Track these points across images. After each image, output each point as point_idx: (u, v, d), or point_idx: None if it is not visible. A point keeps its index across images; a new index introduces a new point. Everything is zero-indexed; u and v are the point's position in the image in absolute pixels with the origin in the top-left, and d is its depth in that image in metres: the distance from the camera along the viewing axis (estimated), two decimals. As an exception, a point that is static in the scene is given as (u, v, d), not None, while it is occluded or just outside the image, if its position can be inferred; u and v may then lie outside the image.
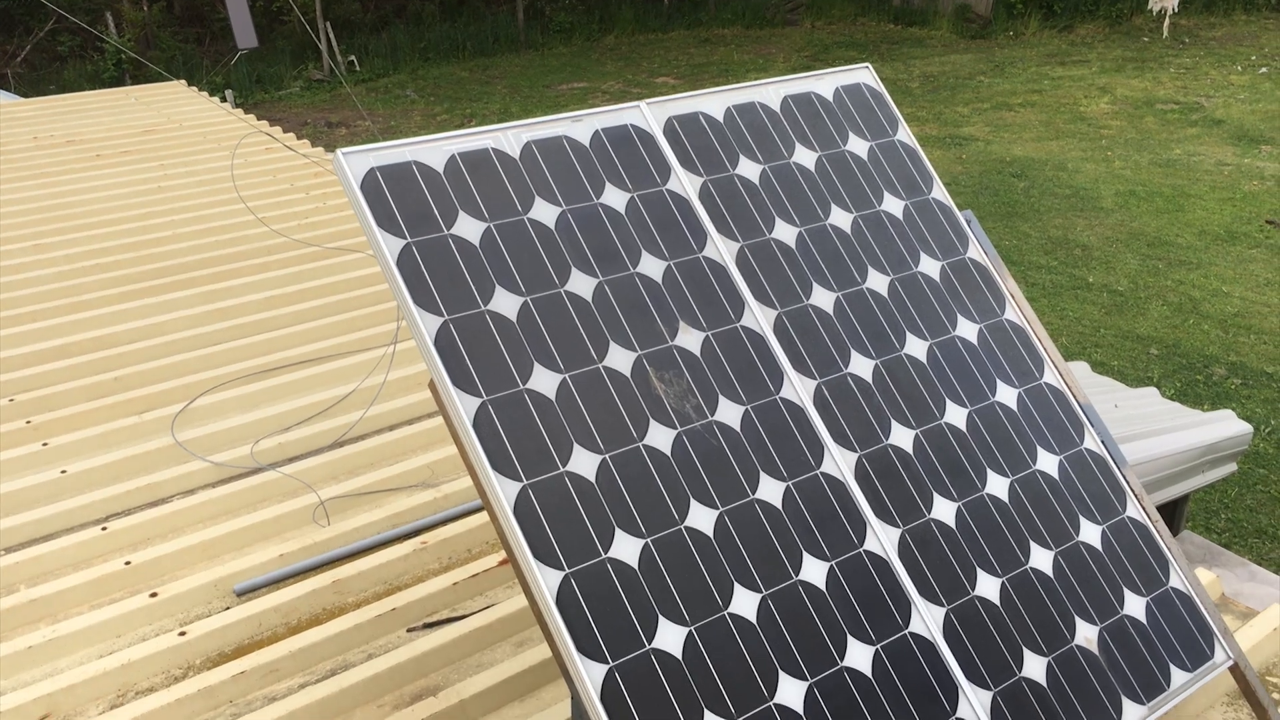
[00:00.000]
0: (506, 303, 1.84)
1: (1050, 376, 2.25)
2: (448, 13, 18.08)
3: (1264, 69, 15.02)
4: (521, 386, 1.79)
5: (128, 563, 2.59)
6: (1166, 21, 16.64)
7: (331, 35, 15.99)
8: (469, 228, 1.88)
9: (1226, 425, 4.70)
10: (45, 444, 3.00)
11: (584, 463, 1.77)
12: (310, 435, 3.12)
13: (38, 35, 14.95)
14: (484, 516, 2.81)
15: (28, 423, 3.08)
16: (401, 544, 2.69)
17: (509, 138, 2.00)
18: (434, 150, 1.92)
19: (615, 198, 2.03)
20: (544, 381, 1.81)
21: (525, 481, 1.72)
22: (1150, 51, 16.36)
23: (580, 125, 2.07)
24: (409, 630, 2.45)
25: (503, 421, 1.75)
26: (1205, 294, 9.14)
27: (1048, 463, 2.14)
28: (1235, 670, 2.08)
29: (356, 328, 3.75)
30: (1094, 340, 8.29)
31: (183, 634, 2.36)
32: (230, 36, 15.66)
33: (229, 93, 6.00)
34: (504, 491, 1.70)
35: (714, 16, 18.89)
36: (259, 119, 6.10)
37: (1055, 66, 15.98)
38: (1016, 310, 2.30)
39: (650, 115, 2.15)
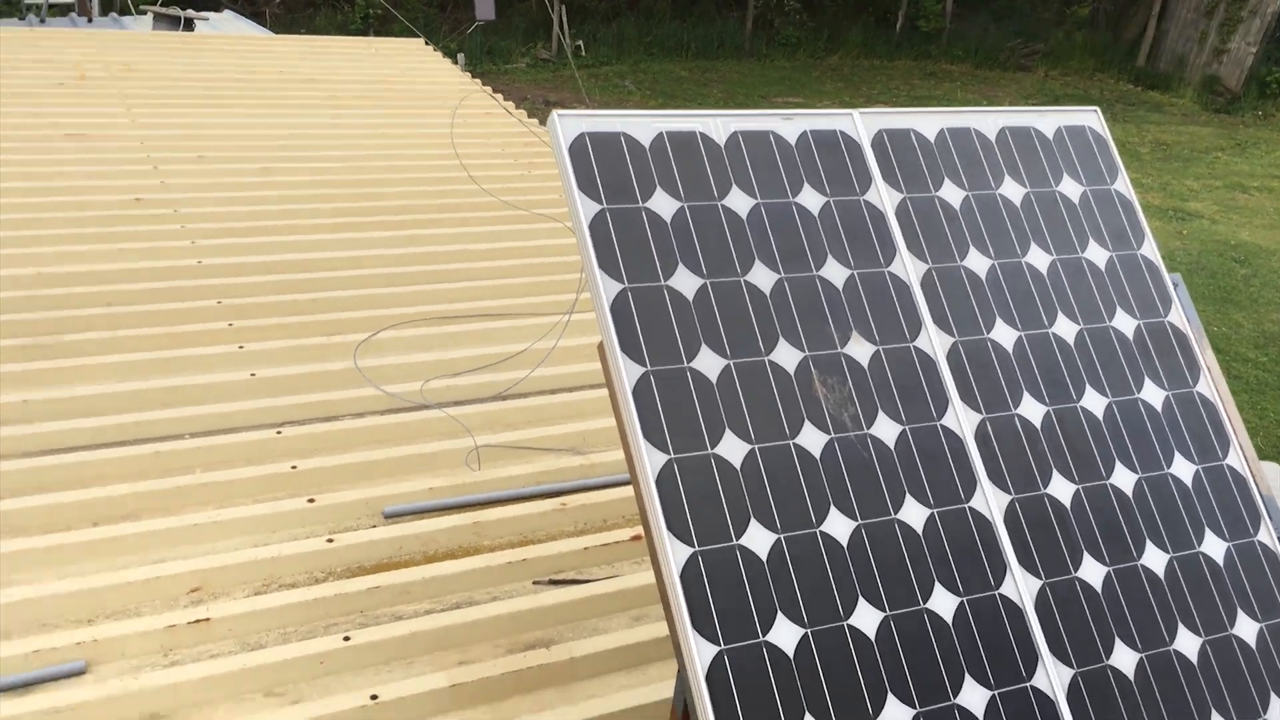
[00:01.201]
0: (686, 281, 1.88)
1: (1234, 459, 2.13)
2: (678, 11, 18.32)
3: None
4: (686, 364, 1.82)
5: (294, 467, 2.76)
6: None
7: (564, 18, 16.45)
8: (664, 204, 1.92)
9: None
10: (241, 347, 3.22)
11: (732, 448, 1.79)
12: (477, 384, 3.24)
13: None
14: (624, 491, 2.86)
15: (229, 325, 3.32)
16: (543, 501, 2.77)
17: (718, 125, 2.03)
18: (644, 125, 1.97)
19: (811, 199, 2.03)
20: (708, 363, 1.83)
21: (672, 455, 1.75)
22: None
23: (790, 124, 2.09)
24: (535, 583, 2.53)
25: (661, 393, 1.78)
26: None
27: (1214, 547, 2.03)
28: (1386, 808, 1.92)
29: (538, 292, 3.87)
30: (1294, 447, 7.72)
31: (330, 541, 2.50)
32: (471, 7, 16.33)
33: (461, 56, 6.27)
34: (650, 461, 1.73)
35: (944, 51, 18.50)
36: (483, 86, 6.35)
37: (1304, 154, 14.94)
38: (1210, 385, 2.19)
39: (861, 125, 2.15)
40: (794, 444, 1.83)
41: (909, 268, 2.05)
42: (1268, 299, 10.31)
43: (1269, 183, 13.74)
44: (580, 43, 16.85)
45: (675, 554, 1.68)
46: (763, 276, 1.94)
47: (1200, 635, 1.94)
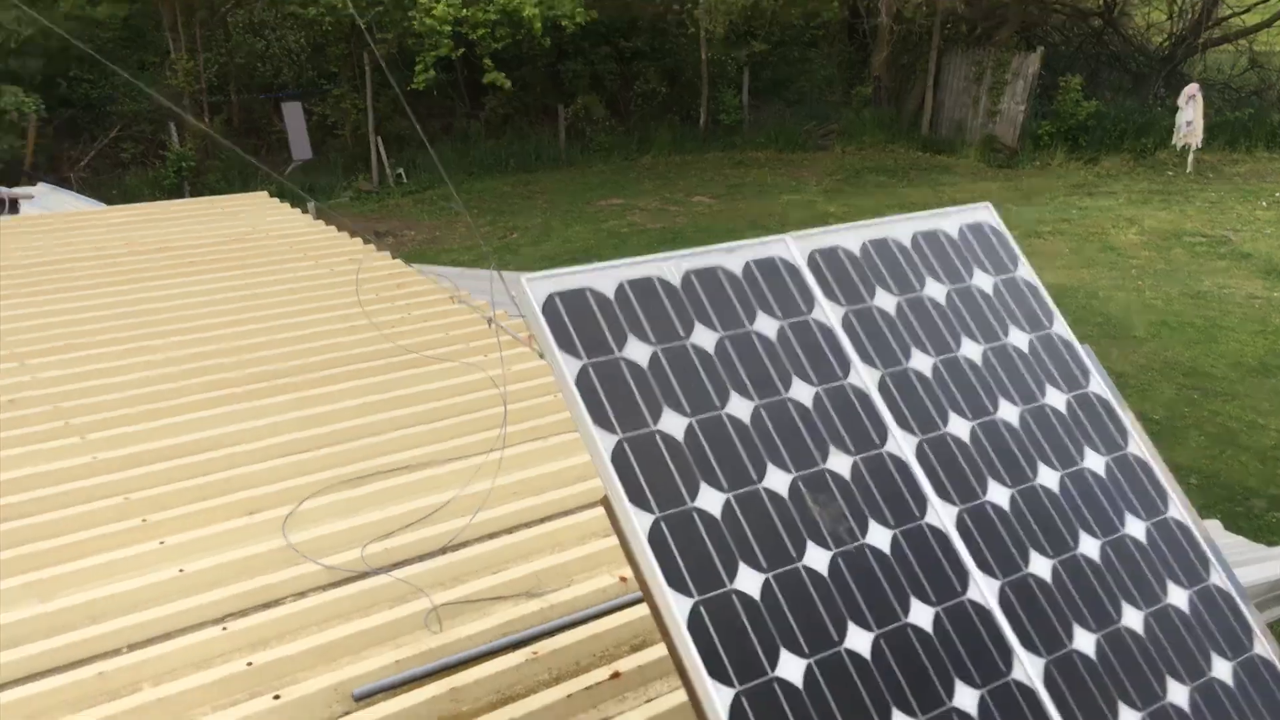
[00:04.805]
0: (674, 423, 1.94)
1: (1175, 511, 2.31)
2: (491, 131, 18.67)
3: (1290, 206, 15.31)
4: (690, 504, 1.86)
5: (249, 664, 2.63)
6: (1191, 157, 17.04)
7: (383, 148, 16.51)
8: (638, 351, 1.98)
9: (1295, 560, 4.70)
10: (162, 542, 3.06)
11: (749, 581, 1.84)
12: (416, 541, 3.18)
13: (102, 142, 15.51)
14: (591, 628, 2.84)
15: (143, 521, 3.16)
16: (513, 653, 2.73)
17: (670, 267, 2.12)
18: (605, 277, 2.04)
19: (767, 325, 2.13)
20: (710, 500, 1.88)
21: (697, 598, 1.78)
22: (1175, 185, 16.72)
23: (733, 256, 2.19)
24: (529, 742, 2.47)
25: (674, 538, 1.82)
26: (1242, 425, 9.18)
27: (1178, 597, 2.19)
28: (1372, 812, 2.09)
29: (452, 435, 3.83)
30: (1139, 469, 8.28)
31: (311, 737, 2.39)
32: (286, 148, 16.22)
33: (312, 205, 6.22)
34: (677, 607, 1.76)
35: (748, 140, 19.45)
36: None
37: (1083, 197, 16.33)
38: (1139, 443, 2.38)
39: (795, 248, 2.28)
40: (802, 566, 1.89)
41: (865, 377, 2.17)
42: (1081, 334, 11.10)
43: (1058, 226, 14.93)
44: (401, 170, 16.91)
45: (720, 696, 1.71)
46: (740, 407, 2.01)
47: (1187, 684, 2.07)
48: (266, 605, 2.91)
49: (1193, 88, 16.92)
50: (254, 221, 6.09)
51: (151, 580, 2.91)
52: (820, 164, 18.77)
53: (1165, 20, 21.23)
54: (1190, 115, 16.75)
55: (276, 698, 2.53)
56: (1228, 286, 12.68)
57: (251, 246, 5.71)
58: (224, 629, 2.76)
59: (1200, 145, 17.09)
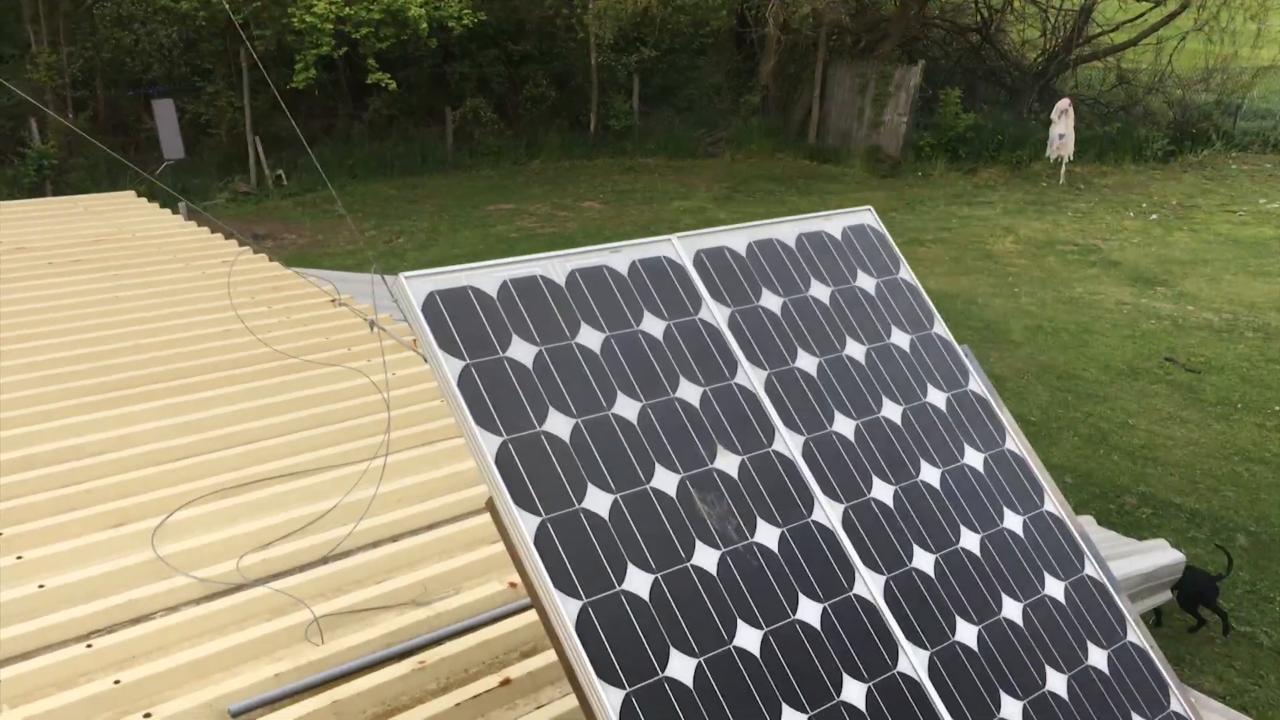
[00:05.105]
0: (559, 424, 1.90)
1: (1050, 505, 2.37)
2: (376, 133, 18.32)
3: (1154, 215, 16.07)
4: (577, 506, 1.83)
5: (117, 682, 2.49)
6: (1063, 169, 17.74)
7: (261, 149, 16.05)
8: (522, 351, 1.94)
9: (1161, 554, 4.91)
10: (20, 557, 2.89)
11: (638, 582, 1.81)
12: (295, 551, 3.07)
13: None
14: (479, 635, 2.79)
15: (-1, 535, 2.98)
16: (398, 663, 2.65)
17: (555, 266, 2.08)
18: (488, 276, 1.99)
19: (654, 325, 2.12)
20: (598, 501, 1.86)
21: (585, 600, 1.75)
22: (1049, 195, 17.39)
23: (618, 256, 2.17)
24: (415, 754, 2.41)
25: (561, 540, 1.79)
26: (1113, 426, 9.55)
27: (1055, 588, 2.25)
28: (1235, 790, 2.18)
29: (331, 443, 3.72)
30: (1016, 468, 8.54)
31: (182, 758, 2.28)
32: (157, 146, 15.62)
33: (183, 205, 5.98)
34: (565, 609, 1.73)
35: (638, 146, 19.51)
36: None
37: (962, 206, 16.84)
38: (1015, 440, 2.44)
39: (680, 248, 2.27)
40: (691, 566, 1.88)
41: (751, 377, 2.17)
42: (961, 338, 11.42)
43: (940, 235, 15.36)
44: (281, 172, 16.47)
45: (609, 698, 1.68)
46: (627, 407, 1.99)
47: (1065, 672, 2.13)
48: (134, 621, 2.77)
49: (1064, 102, 17.62)
50: (119, 222, 5.83)
51: (9, 597, 2.74)
52: (710, 171, 18.95)
53: (1039, 37, 22.06)
54: (1062, 129, 17.44)
55: (147, 716, 2.41)
56: (1098, 293, 13.21)
57: (116, 248, 5.46)
58: (89, 646, 2.61)
59: (1071, 158, 17.79)
